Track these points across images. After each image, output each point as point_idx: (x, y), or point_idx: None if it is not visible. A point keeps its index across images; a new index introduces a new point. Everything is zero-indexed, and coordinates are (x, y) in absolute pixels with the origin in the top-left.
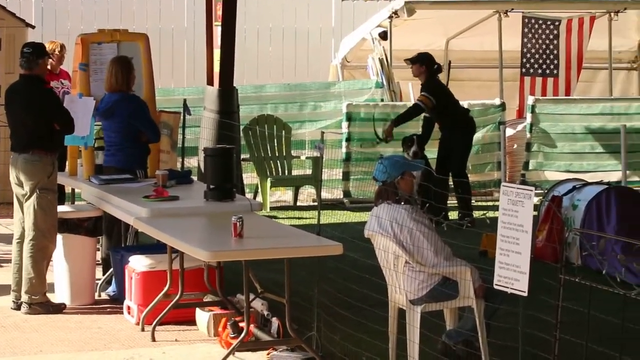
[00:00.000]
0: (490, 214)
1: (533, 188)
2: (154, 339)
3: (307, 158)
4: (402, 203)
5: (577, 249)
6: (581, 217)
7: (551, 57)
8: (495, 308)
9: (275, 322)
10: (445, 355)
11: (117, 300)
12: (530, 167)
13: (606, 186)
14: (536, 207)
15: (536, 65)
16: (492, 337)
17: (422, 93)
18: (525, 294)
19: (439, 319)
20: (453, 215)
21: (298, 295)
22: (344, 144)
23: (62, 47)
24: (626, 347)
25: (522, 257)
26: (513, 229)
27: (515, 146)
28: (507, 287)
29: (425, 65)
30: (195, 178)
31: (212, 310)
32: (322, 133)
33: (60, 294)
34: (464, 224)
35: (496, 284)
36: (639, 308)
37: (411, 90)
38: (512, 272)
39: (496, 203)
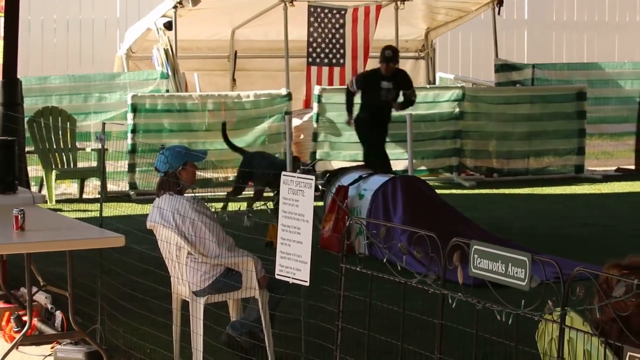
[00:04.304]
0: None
1: (314, 177)
2: None
3: (92, 150)
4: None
5: (363, 239)
6: (367, 207)
7: (337, 46)
8: (279, 298)
9: (59, 315)
10: (229, 347)
11: None
12: (317, 157)
13: (392, 175)
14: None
15: (322, 55)
16: (276, 327)
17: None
18: (307, 284)
19: (224, 311)
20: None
21: (82, 289)
22: (129, 135)
23: None
24: (408, 335)
25: (304, 246)
26: (294, 219)
27: (302, 136)
28: (289, 277)
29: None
30: None
31: None
32: (104, 124)
33: None
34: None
35: (278, 274)
36: (420, 296)
37: (197, 81)
38: (294, 262)
39: None
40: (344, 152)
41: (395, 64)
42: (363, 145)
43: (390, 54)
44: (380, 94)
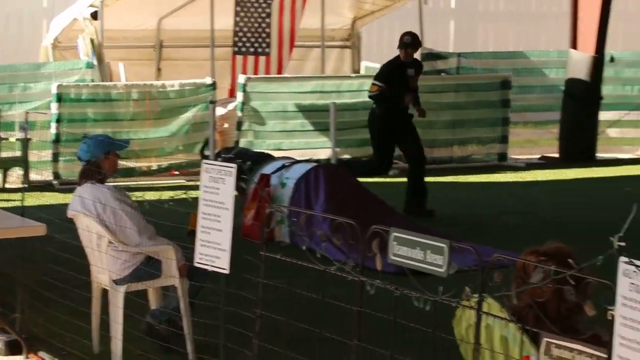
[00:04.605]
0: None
1: (235, 166)
2: None
3: (17, 139)
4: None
5: (285, 227)
6: (290, 195)
7: (263, 35)
8: (199, 287)
9: None
10: (149, 335)
11: None
12: (241, 146)
13: (315, 164)
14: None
15: (248, 44)
16: (196, 315)
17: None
18: (227, 272)
19: (144, 299)
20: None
21: (2, 278)
22: (53, 125)
23: None
24: (327, 322)
25: (224, 234)
26: (214, 207)
27: (226, 125)
28: (208, 265)
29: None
30: None
31: None
32: (27, 114)
33: None
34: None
35: (197, 262)
36: (340, 284)
37: (122, 70)
38: (214, 250)
39: None
40: (268, 141)
41: (414, 50)
42: (387, 143)
43: (409, 39)
44: (408, 82)
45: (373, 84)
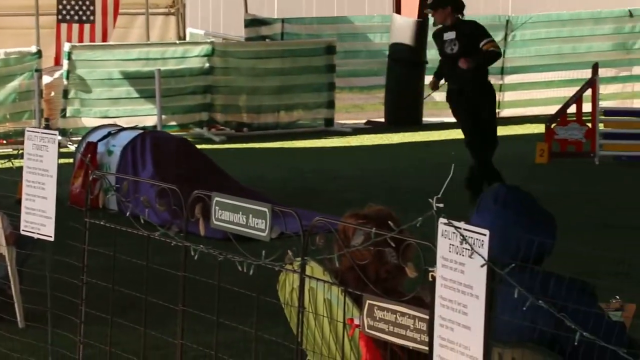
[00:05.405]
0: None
1: (57, 132)
2: None
3: None
4: None
5: (113, 195)
6: (117, 163)
7: (87, 3)
8: (27, 255)
9: None
10: None
11: None
12: (68, 115)
13: (141, 131)
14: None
15: (72, 12)
16: (24, 283)
17: (491, 39)
18: (52, 239)
19: None
20: None
21: None
22: None
23: None
24: (152, 288)
25: (48, 201)
26: (38, 174)
27: (53, 94)
28: (34, 233)
29: (449, 4)
30: None
31: None
32: None
33: None
34: None
35: (23, 230)
36: (164, 249)
37: None
38: (39, 217)
39: None
40: (95, 109)
41: (437, 10)
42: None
43: (432, 0)
44: (444, 47)
45: None
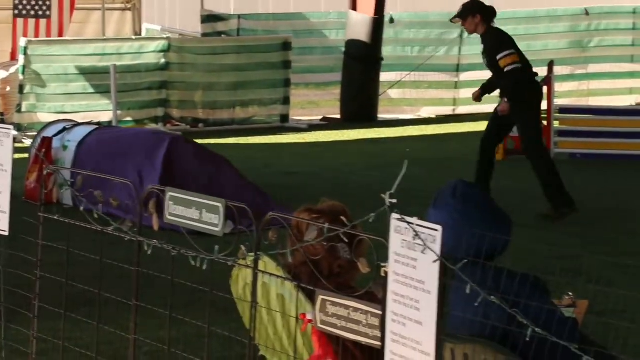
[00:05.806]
0: None
1: (12, 127)
2: None
3: None
4: None
5: (68, 190)
6: (72, 158)
7: None
8: None
9: None
10: None
11: None
12: (24, 110)
13: (96, 126)
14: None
15: (29, 7)
16: None
17: (505, 53)
18: (7, 234)
19: None
20: None
21: None
22: None
23: None
24: (106, 283)
25: (3, 196)
26: None
27: (9, 89)
28: None
29: (479, 13)
30: None
31: None
32: None
33: None
34: None
35: None
36: (117, 244)
37: None
38: None
39: None
40: (50, 104)
41: (459, 19)
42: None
43: (460, 8)
44: (483, 59)
45: None
